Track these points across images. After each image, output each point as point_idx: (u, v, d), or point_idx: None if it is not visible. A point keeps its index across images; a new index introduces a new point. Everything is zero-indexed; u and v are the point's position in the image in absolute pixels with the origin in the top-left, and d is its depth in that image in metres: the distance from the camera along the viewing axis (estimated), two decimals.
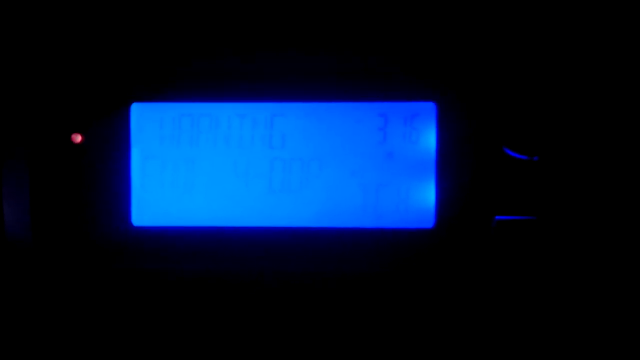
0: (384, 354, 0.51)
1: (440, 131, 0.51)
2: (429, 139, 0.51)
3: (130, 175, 0.52)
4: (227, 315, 0.52)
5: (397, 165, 0.51)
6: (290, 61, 0.51)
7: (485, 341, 0.51)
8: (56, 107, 0.52)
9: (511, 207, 0.50)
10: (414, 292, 0.51)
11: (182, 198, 0.52)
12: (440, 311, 0.51)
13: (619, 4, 0.48)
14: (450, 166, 0.51)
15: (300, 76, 0.51)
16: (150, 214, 0.52)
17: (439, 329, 0.51)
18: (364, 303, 0.51)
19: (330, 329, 0.51)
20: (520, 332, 0.50)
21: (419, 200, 0.51)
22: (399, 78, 0.51)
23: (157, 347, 0.52)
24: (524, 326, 0.50)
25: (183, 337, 0.52)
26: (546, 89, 0.49)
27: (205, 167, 0.52)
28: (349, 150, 0.51)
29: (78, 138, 0.52)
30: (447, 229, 0.51)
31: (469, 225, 0.51)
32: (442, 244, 0.51)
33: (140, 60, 0.51)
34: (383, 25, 0.50)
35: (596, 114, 0.49)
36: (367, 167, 0.51)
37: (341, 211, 0.51)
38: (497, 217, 0.50)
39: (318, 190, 0.51)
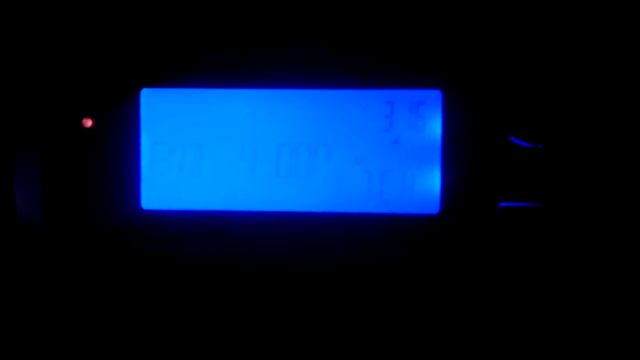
0: (389, 339, 0.52)
1: (445, 118, 0.51)
2: (435, 126, 0.51)
3: (140, 159, 0.53)
4: (234, 299, 0.52)
5: (403, 152, 0.52)
6: (298, 48, 0.52)
7: (488, 327, 0.51)
8: (67, 92, 0.52)
9: (515, 193, 0.51)
10: (419, 277, 0.51)
11: (191, 182, 0.53)
12: (444, 296, 0.51)
13: None
14: (456, 153, 0.51)
15: (308, 63, 0.52)
16: (159, 197, 0.53)
17: (444, 314, 0.52)
18: (369, 288, 0.52)
19: (335, 313, 0.52)
20: (523, 319, 0.51)
21: (424, 187, 0.52)
22: (405, 66, 0.51)
23: (166, 330, 0.53)
24: (527, 313, 0.51)
25: (191, 320, 0.52)
26: (551, 77, 0.50)
27: (213, 151, 0.52)
28: (356, 136, 0.52)
29: (88, 122, 0.53)
30: (452, 215, 0.51)
31: (473, 212, 0.51)
32: (446, 229, 0.52)
33: (150, 46, 0.52)
34: (390, 13, 0.50)
35: (600, 102, 0.49)
36: (373, 154, 0.52)
37: (347, 196, 0.52)
38: (501, 204, 0.50)
39: (324, 176, 0.52)
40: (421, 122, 0.51)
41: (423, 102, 0.51)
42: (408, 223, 0.52)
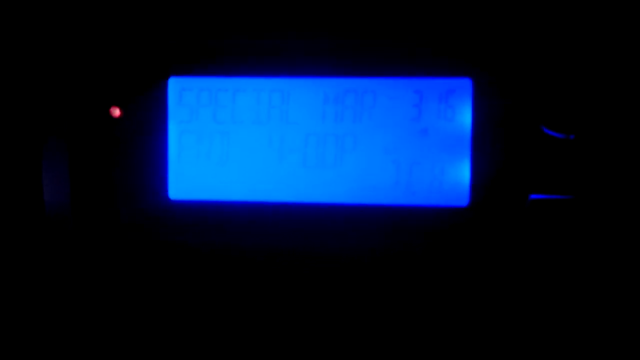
0: (418, 332, 0.52)
1: (475, 108, 0.50)
2: (464, 116, 0.50)
3: (167, 149, 0.53)
4: (262, 289, 0.52)
5: (432, 142, 0.51)
6: (326, 38, 0.51)
7: (517, 321, 0.51)
8: (95, 81, 0.52)
9: (547, 186, 0.49)
10: (448, 271, 0.51)
11: (218, 172, 0.52)
12: (473, 290, 0.51)
13: None
14: (486, 144, 0.50)
15: (335, 53, 0.51)
16: (186, 187, 0.53)
17: (473, 308, 0.51)
18: (397, 281, 0.51)
19: (364, 306, 0.52)
20: (553, 312, 0.50)
21: (453, 178, 0.51)
22: (434, 54, 0.50)
23: (194, 320, 0.53)
24: (557, 307, 0.50)
25: (218, 310, 0.53)
26: (583, 66, 0.48)
27: (241, 141, 0.52)
28: (383, 126, 0.51)
29: (116, 112, 0.53)
30: (482, 208, 0.51)
31: (503, 204, 0.50)
32: (476, 222, 0.51)
33: (178, 35, 0.52)
34: (418, 1, 0.49)
35: (634, 93, 0.48)
36: (402, 144, 0.51)
37: (375, 188, 0.51)
38: (532, 196, 0.49)
39: (352, 166, 0.51)
40: (450, 111, 0.51)
41: (452, 91, 0.50)
42: (437, 215, 0.51)
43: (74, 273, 0.53)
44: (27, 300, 0.53)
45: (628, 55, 0.48)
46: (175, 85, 0.52)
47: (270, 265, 0.52)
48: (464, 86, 0.50)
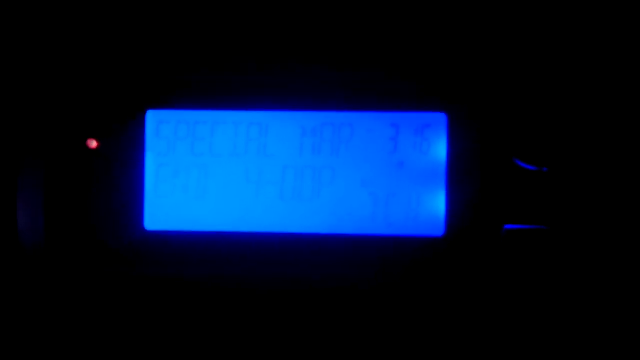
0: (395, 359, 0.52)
1: (450, 141, 0.51)
2: (440, 149, 0.51)
3: (144, 180, 0.53)
4: (238, 320, 0.52)
5: (408, 174, 0.52)
6: (303, 71, 0.52)
7: (494, 350, 0.51)
8: (72, 112, 0.52)
9: (520, 216, 0.51)
10: (424, 299, 0.51)
11: (195, 203, 0.53)
12: (449, 319, 0.51)
13: (630, 16, 0.49)
14: (460, 175, 0.51)
15: (313, 86, 0.52)
16: (162, 218, 0.53)
17: (448, 336, 0.51)
18: (374, 310, 0.51)
19: (339, 336, 0.52)
20: (528, 341, 0.51)
21: (429, 209, 0.52)
22: (410, 89, 0.52)
23: (168, 353, 0.52)
24: (532, 335, 0.51)
25: (194, 342, 0.52)
26: (555, 100, 0.50)
27: (218, 173, 0.52)
28: (360, 159, 0.52)
29: (93, 143, 0.53)
30: (457, 237, 0.51)
31: (478, 234, 0.51)
32: (452, 251, 0.51)
33: (155, 68, 0.52)
34: (394, 37, 0.51)
35: (605, 126, 0.50)
36: (378, 176, 0.52)
37: (352, 219, 0.52)
38: (507, 226, 0.50)
39: (329, 198, 0.52)
40: (426, 144, 0.52)
41: (428, 125, 0.52)
42: (413, 245, 0.52)
43: (48, 304, 0.52)
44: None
45: (598, 92, 0.50)
46: (153, 118, 0.53)
47: (247, 295, 0.52)
48: (439, 120, 0.52)
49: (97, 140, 0.53)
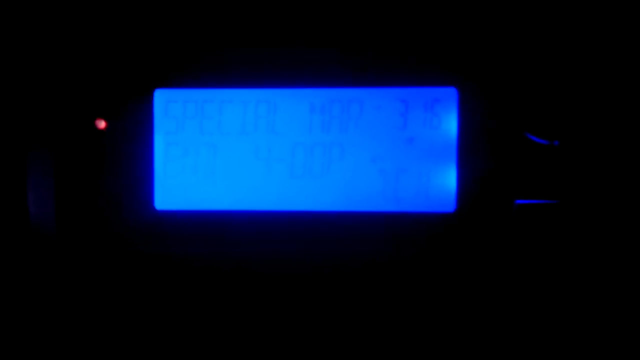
0: (405, 338, 0.52)
1: (461, 116, 0.51)
2: (450, 124, 0.51)
3: (153, 160, 0.53)
4: (248, 298, 0.52)
5: (418, 150, 0.51)
6: (312, 48, 0.52)
7: (504, 325, 0.51)
8: (80, 93, 0.52)
9: (532, 191, 0.50)
10: (435, 276, 0.51)
11: (204, 182, 0.53)
12: (460, 295, 0.51)
13: None
14: (471, 151, 0.51)
15: (322, 62, 0.52)
16: (172, 198, 0.53)
17: (460, 312, 0.51)
18: (385, 287, 0.51)
19: (351, 312, 0.52)
20: (539, 316, 0.51)
21: (440, 185, 0.51)
22: (419, 63, 0.51)
23: (180, 331, 0.52)
24: (543, 311, 0.51)
25: (205, 320, 0.52)
26: (566, 73, 0.50)
27: (227, 152, 0.52)
28: (370, 135, 0.52)
29: (102, 124, 0.53)
30: (468, 213, 0.51)
31: (489, 209, 0.51)
32: (463, 228, 0.51)
33: (163, 47, 0.52)
34: (404, 12, 0.50)
35: (616, 99, 0.49)
36: (388, 152, 0.52)
37: (362, 196, 0.52)
38: (518, 201, 0.50)
39: (339, 175, 0.52)
40: (436, 120, 0.51)
41: (438, 100, 0.51)
42: (424, 221, 0.52)
43: (60, 284, 0.52)
44: (12, 311, 0.52)
45: (609, 64, 0.49)
46: (161, 97, 0.53)
47: (258, 273, 0.52)
48: (449, 95, 0.51)
49: (106, 121, 0.53)
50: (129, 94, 0.53)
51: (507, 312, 0.51)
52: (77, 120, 0.53)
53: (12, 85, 0.52)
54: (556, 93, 0.50)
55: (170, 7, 0.51)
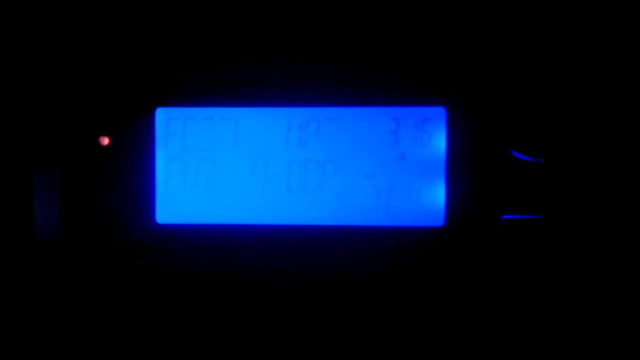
0: (396, 350, 0.53)
1: (449, 134, 0.53)
2: (439, 142, 0.53)
3: (155, 175, 0.54)
4: (246, 310, 0.54)
5: (409, 167, 0.53)
6: (307, 68, 0.53)
7: (491, 338, 0.52)
8: (84, 111, 0.54)
9: (518, 206, 0.52)
10: (424, 288, 0.53)
11: (204, 197, 0.54)
12: (449, 307, 0.53)
13: (623, 8, 0.50)
14: (460, 167, 0.53)
15: (317, 82, 0.54)
16: (173, 212, 0.55)
17: (448, 324, 0.53)
18: (376, 299, 0.53)
19: (344, 324, 0.53)
20: (526, 329, 0.52)
21: (429, 200, 0.53)
22: (410, 84, 0.53)
23: (180, 343, 0.54)
24: (530, 323, 0.52)
25: (205, 333, 0.54)
26: (551, 93, 0.51)
27: (226, 168, 0.54)
28: (363, 152, 0.53)
29: (105, 140, 0.54)
30: (456, 228, 0.53)
31: (477, 224, 0.53)
32: (451, 241, 0.53)
33: (165, 67, 0.54)
34: (395, 34, 0.52)
35: (600, 117, 0.51)
36: (380, 169, 0.53)
37: (355, 210, 0.54)
38: (504, 216, 0.52)
39: (333, 191, 0.54)
40: (426, 137, 0.53)
41: (428, 118, 0.53)
42: (414, 235, 0.53)
43: (64, 296, 0.54)
44: (18, 321, 0.54)
45: (592, 83, 0.51)
46: (162, 115, 0.54)
47: (255, 286, 0.53)
48: (438, 114, 0.53)
49: (109, 138, 0.54)
50: (131, 112, 0.54)
51: (493, 323, 0.52)
52: (82, 137, 0.54)
53: (21, 104, 0.53)
54: (541, 112, 0.51)
55: (172, 28, 0.53)
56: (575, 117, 0.51)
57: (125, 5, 0.53)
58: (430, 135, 0.53)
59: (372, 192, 0.53)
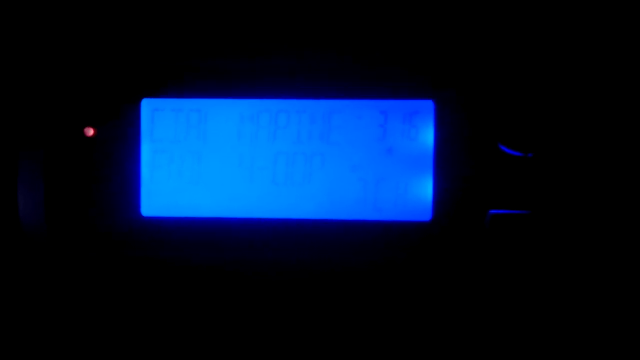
0: (383, 344, 0.53)
1: (438, 128, 0.53)
2: (427, 136, 0.53)
3: (140, 167, 0.54)
4: (233, 304, 0.53)
5: (396, 161, 0.53)
6: (294, 60, 0.53)
7: (479, 334, 0.53)
8: (69, 102, 0.54)
9: (506, 201, 0.52)
10: (412, 282, 0.53)
11: (190, 190, 0.54)
12: (437, 301, 0.53)
13: (613, 2, 0.50)
14: (447, 162, 0.52)
15: (304, 74, 0.53)
16: (158, 205, 0.54)
17: (436, 318, 0.53)
18: (364, 293, 0.53)
19: (330, 318, 0.53)
20: (513, 324, 0.52)
21: (417, 194, 0.53)
22: (398, 77, 0.53)
23: (165, 336, 0.54)
24: (517, 318, 0.52)
25: (190, 326, 0.54)
26: (540, 87, 0.51)
27: (212, 160, 0.54)
28: (350, 145, 0.53)
29: (90, 132, 0.54)
30: (444, 222, 0.53)
31: (464, 218, 0.53)
32: (438, 236, 0.53)
33: (151, 58, 0.53)
34: (383, 26, 0.52)
35: (588, 112, 0.51)
36: (368, 162, 0.53)
37: (342, 204, 0.53)
38: (492, 211, 0.52)
39: (320, 184, 0.53)
40: (414, 131, 0.53)
41: (416, 112, 0.53)
42: (401, 230, 0.53)
43: (48, 288, 0.54)
44: (1, 313, 0.54)
45: (582, 78, 0.51)
46: (148, 106, 0.54)
47: (242, 280, 0.53)
48: (426, 107, 0.53)
49: (94, 129, 0.54)
50: (117, 103, 0.54)
51: (481, 318, 0.52)
52: (67, 128, 0.54)
53: (5, 94, 0.53)
54: (530, 107, 0.51)
55: (159, 18, 0.52)
56: (565, 113, 0.51)
57: None
58: (419, 129, 0.53)
59: (360, 185, 0.53)
